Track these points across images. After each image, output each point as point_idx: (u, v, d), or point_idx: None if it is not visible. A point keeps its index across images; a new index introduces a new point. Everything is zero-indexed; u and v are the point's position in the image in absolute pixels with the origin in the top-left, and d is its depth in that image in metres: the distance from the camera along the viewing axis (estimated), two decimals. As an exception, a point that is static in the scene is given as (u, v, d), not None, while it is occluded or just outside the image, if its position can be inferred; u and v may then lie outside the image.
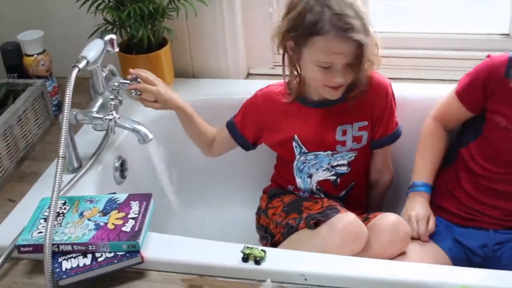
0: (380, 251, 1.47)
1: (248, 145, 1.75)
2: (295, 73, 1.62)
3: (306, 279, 1.28)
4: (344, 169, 1.67)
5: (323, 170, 1.68)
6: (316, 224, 1.51)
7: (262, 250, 1.31)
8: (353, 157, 1.67)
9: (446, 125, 1.69)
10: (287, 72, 1.63)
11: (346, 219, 1.48)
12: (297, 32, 1.51)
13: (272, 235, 1.68)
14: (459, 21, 2.04)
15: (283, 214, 1.63)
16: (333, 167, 1.67)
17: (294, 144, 1.66)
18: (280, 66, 2.06)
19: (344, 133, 1.64)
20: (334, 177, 1.68)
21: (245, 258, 1.30)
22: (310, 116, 1.64)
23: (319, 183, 1.69)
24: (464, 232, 1.61)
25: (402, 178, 1.79)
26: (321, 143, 1.65)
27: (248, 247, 1.31)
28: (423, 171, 1.66)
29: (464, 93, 1.61)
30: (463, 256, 1.60)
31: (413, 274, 1.29)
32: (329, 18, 1.46)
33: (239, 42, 2.05)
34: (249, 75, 2.13)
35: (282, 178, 1.76)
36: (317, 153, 1.66)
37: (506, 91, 1.52)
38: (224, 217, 1.98)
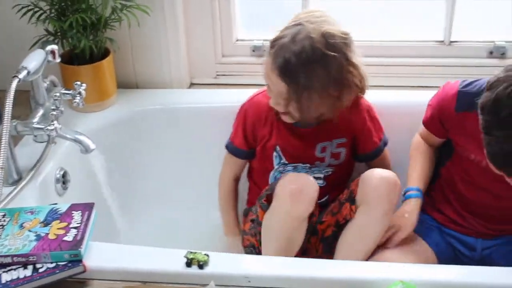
0: (376, 199, 1.52)
1: (253, 154, 1.76)
2: None
3: (249, 281, 1.29)
4: (320, 182, 1.69)
5: None
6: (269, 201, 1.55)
7: (205, 254, 1.32)
8: (330, 172, 1.70)
9: (427, 143, 1.71)
10: None
11: (286, 178, 1.52)
12: None
13: (255, 247, 1.69)
14: (396, 28, 2.09)
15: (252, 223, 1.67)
16: None
17: (274, 154, 1.68)
18: (223, 75, 2.12)
19: (323, 150, 1.67)
20: None
21: (189, 263, 1.30)
22: (293, 131, 1.66)
23: None
24: (453, 234, 1.65)
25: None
26: (301, 157, 1.67)
27: (191, 252, 1.32)
28: (413, 179, 1.67)
29: (429, 124, 1.64)
30: (451, 254, 1.64)
31: (349, 272, 1.33)
32: (280, 45, 1.50)
33: (181, 52, 2.05)
34: (192, 85, 2.14)
35: (259, 189, 1.73)
36: (295, 165, 1.69)
37: (461, 126, 1.52)
38: (168, 225, 1.98)
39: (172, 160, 1.99)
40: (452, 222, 1.65)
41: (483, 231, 1.62)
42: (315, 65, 1.48)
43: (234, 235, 1.82)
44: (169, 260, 1.33)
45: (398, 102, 1.90)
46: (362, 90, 1.60)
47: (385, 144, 1.75)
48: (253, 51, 2.10)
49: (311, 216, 1.57)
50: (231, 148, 1.76)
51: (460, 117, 1.51)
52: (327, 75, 1.49)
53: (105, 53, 1.94)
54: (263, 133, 1.69)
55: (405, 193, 1.64)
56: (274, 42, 1.53)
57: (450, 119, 1.54)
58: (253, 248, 1.70)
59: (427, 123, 1.64)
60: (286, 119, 1.62)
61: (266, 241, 1.60)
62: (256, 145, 1.73)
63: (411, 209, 1.60)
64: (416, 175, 1.66)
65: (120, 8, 1.87)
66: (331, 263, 1.46)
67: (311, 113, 1.57)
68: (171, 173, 2.00)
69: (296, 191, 1.49)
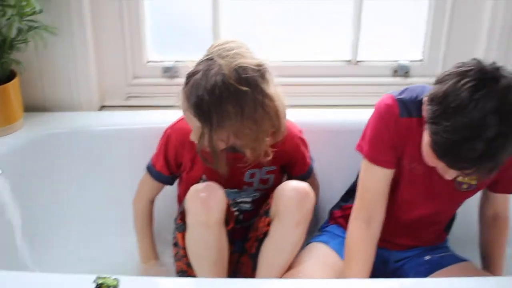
0: (287, 210, 1.53)
1: (174, 179, 1.74)
2: None
3: (161, 304, 1.28)
4: (247, 206, 1.70)
5: None
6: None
7: (115, 278, 1.29)
8: (258, 196, 1.70)
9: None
10: None
11: (192, 191, 1.53)
12: None
13: (185, 271, 1.67)
14: (306, 49, 2.14)
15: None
16: (237, 203, 1.69)
17: (201, 181, 1.65)
18: (135, 97, 2.10)
19: (252, 176, 1.67)
20: (237, 213, 1.70)
21: (98, 288, 1.28)
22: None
23: None
24: None
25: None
26: (228, 183, 1.64)
27: (100, 277, 1.29)
28: None
29: (378, 155, 1.54)
30: None
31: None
32: (193, 83, 1.48)
33: (91, 74, 2.02)
34: (103, 107, 2.11)
35: None
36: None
37: (405, 133, 1.52)
38: (80, 250, 1.93)
39: (82, 183, 1.95)
40: None
41: (398, 242, 1.67)
42: (227, 103, 1.44)
43: (150, 260, 1.79)
44: (78, 286, 1.30)
45: (313, 121, 1.93)
46: (280, 122, 1.55)
47: (313, 162, 1.77)
48: (165, 72, 2.09)
49: (227, 224, 1.57)
50: (151, 170, 1.73)
51: (403, 123, 1.50)
52: (240, 112, 1.46)
53: (11, 76, 1.88)
54: (187, 160, 1.67)
55: None
56: (187, 79, 1.49)
57: (396, 128, 1.51)
58: (183, 273, 1.68)
59: (375, 157, 1.54)
60: (207, 156, 1.57)
61: (196, 260, 1.59)
62: (179, 171, 1.71)
63: None
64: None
65: (27, 29, 1.83)
66: (244, 282, 1.46)
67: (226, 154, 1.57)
68: (82, 197, 1.95)
69: (205, 198, 1.50)
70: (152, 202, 1.78)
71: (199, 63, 1.49)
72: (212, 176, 1.64)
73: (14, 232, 1.79)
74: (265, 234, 1.61)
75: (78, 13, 1.92)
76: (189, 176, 1.68)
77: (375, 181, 1.55)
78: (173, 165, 1.70)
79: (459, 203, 1.64)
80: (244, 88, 1.44)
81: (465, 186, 1.55)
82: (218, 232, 1.55)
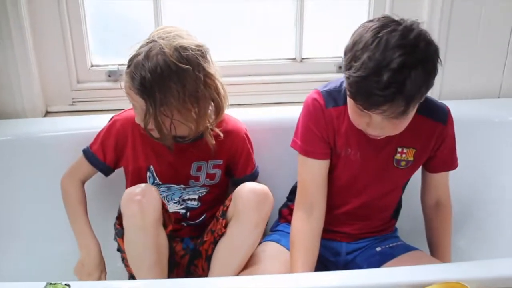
0: (246, 211, 1.54)
1: (110, 170, 1.72)
2: None
3: (114, 308, 1.26)
4: (194, 203, 1.70)
5: (174, 203, 1.69)
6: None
7: (66, 284, 1.28)
8: (204, 193, 1.70)
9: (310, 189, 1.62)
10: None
11: (126, 194, 1.53)
12: None
13: (133, 274, 1.64)
14: (251, 48, 2.15)
15: None
16: (184, 200, 1.69)
17: (148, 174, 1.66)
18: (80, 101, 2.07)
19: (199, 169, 1.67)
20: (184, 211, 1.70)
21: (49, 295, 1.26)
22: (168, 149, 1.64)
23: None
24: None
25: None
26: (175, 177, 1.66)
27: (51, 284, 1.27)
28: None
29: (310, 147, 1.59)
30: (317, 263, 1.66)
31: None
32: (135, 64, 1.51)
33: (34, 79, 1.99)
34: (48, 113, 2.08)
35: None
36: (169, 185, 1.68)
37: (332, 123, 1.57)
38: (28, 258, 1.90)
39: (29, 191, 1.91)
40: None
41: (350, 232, 1.69)
42: (169, 81, 1.49)
43: (88, 246, 1.67)
44: (27, 294, 1.28)
45: (259, 119, 1.93)
46: (221, 101, 1.61)
47: (257, 168, 1.79)
48: (109, 76, 2.08)
49: (165, 226, 1.57)
50: (86, 151, 1.71)
51: (331, 113, 1.56)
52: (182, 90, 1.51)
53: None
54: (129, 150, 1.67)
55: None
56: (130, 61, 1.53)
57: (324, 119, 1.56)
58: (133, 277, 1.66)
59: (308, 151, 1.59)
60: (154, 134, 1.60)
61: (134, 263, 1.57)
62: (116, 164, 1.71)
63: None
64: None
65: (-37, 35, 1.79)
66: (201, 281, 1.45)
67: (171, 130, 1.57)
68: (30, 204, 1.91)
69: (139, 200, 1.49)
70: (82, 183, 1.73)
71: (141, 46, 1.53)
72: (160, 166, 1.66)
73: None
74: (221, 236, 1.61)
75: (15, 17, 1.89)
76: (135, 168, 1.67)
77: (311, 173, 1.60)
78: (109, 152, 1.69)
79: (401, 184, 1.67)
80: (185, 66, 1.49)
81: (403, 163, 1.59)
82: (155, 234, 1.54)
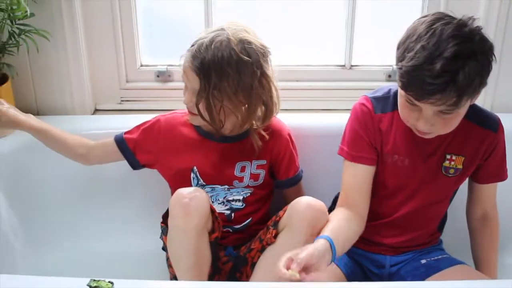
0: (299, 223, 1.51)
1: (138, 165, 1.73)
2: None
3: (156, 308, 1.26)
4: (239, 204, 1.69)
5: (219, 204, 1.69)
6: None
7: (109, 281, 1.27)
8: (249, 194, 1.69)
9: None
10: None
11: (175, 194, 1.52)
12: None
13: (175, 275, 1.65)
14: (300, 53, 2.14)
15: None
16: (228, 201, 1.69)
17: (192, 175, 1.67)
18: (128, 101, 2.09)
19: (243, 169, 1.67)
20: (228, 211, 1.70)
21: (92, 291, 1.26)
22: (212, 149, 1.66)
23: None
24: (362, 253, 1.68)
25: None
26: (219, 177, 1.67)
27: (94, 280, 1.27)
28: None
29: (357, 152, 1.57)
30: (359, 272, 1.65)
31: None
32: (199, 44, 1.55)
33: (84, 78, 2.02)
34: (96, 111, 2.10)
35: None
36: (214, 186, 1.68)
37: (380, 129, 1.56)
38: (78, 255, 1.92)
39: (76, 186, 1.93)
40: (360, 241, 1.66)
41: (394, 245, 1.65)
42: (228, 67, 1.52)
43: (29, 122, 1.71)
44: (72, 289, 1.28)
45: (308, 125, 1.92)
46: (272, 104, 1.62)
47: (301, 172, 1.77)
48: (158, 76, 2.10)
49: (211, 232, 1.56)
50: (119, 134, 1.73)
51: (379, 118, 1.55)
52: (238, 79, 1.53)
53: (3, 79, 1.87)
54: (171, 152, 1.67)
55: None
56: (195, 42, 1.57)
57: (372, 124, 1.55)
58: (175, 278, 1.65)
59: (354, 156, 1.57)
60: (194, 121, 1.63)
61: (175, 263, 1.57)
62: (142, 160, 1.71)
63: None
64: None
65: (18, 33, 1.82)
66: (242, 284, 1.44)
67: (220, 117, 1.58)
68: (73, 201, 1.94)
69: (186, 203, 1.49)
70: (93, 149, 1.74)
71: (210, 32, 1.57)
72: (204, 167, 1.66)
73: (6, 233, 1.78)
74: (270, 245, 1.59)
75: (70, 17, 1.92)
76: (179, 172, 1.68)
77: (356, 179, 1.57)
78: (139, 143, 1.70)
79: (449, 194, 1.64)
80: (246, 58, 1.53)
81: (452, 171, 1.56)
82: (197, 238, 1.52)
